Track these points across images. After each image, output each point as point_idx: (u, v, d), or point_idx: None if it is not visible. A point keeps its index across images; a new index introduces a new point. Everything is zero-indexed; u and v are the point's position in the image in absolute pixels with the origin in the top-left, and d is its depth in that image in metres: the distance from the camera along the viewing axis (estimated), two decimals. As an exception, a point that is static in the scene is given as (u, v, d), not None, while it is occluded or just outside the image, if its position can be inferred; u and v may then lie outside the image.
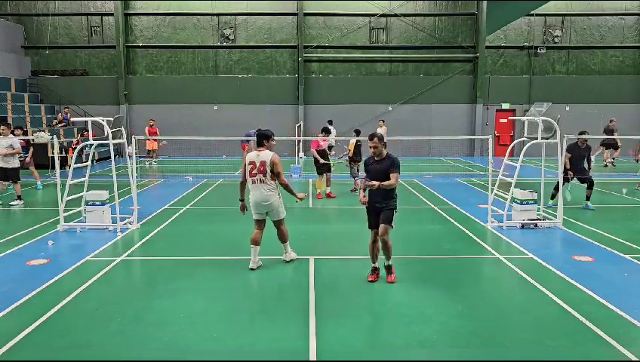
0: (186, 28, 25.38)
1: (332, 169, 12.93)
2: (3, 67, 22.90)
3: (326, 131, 13.18)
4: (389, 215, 6.24)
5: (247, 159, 6.82)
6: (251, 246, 6.94)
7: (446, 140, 23.52)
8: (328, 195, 12.75)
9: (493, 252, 7.99)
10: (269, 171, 6.67)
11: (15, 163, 11.88)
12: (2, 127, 11.84)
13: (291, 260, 7.28)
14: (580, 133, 11.26)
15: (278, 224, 7.06)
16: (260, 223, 7.02)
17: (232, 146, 23.04)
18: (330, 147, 13.00)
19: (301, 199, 6.98)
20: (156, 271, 7.18)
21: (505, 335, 5.00)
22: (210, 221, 10.35)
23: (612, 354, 4.59)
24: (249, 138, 19.32)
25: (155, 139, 21.04)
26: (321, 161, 12.59)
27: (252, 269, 6.87)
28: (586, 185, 11.38)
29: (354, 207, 11.76)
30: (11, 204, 11.90)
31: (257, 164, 6.69)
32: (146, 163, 21.55)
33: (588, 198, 11.34)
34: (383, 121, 22.28)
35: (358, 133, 13.32)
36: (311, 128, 25.00)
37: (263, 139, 6.86)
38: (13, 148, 11.72)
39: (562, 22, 25.60)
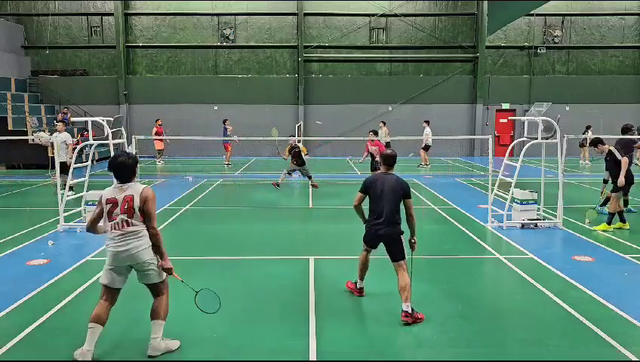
0: (186, 28, 25.37)
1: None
2: (3, 67, 22.88)
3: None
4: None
5: (103, 195, 4.65)
6: (89, 325, 4.50)
7: (446, 140, 23.47)
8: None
9: (493, 252, 7.99)
10: (136, 210, 4.50)
11: (63, 157, 12.92)
12: (59, 125, 13.38)
13: (167, 351, 4.62)
14: (625, 128, 10.30)
15: (154, 289, 4.68)
16: (111, 293, 4.63)
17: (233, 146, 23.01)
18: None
19: (167, 267, 4.66)
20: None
21: (505, 335, 5.01)
22: (210, 221, 10.35)
23: (612, 354, 4.59)
24: (230, 138, 19.32)
25: (160, 139, 20.95)
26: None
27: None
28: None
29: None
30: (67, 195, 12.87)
31: (120, 201, 4.53)
32: (157, 162, 21.52)
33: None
34: (384, 123, 21.90)
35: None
36: (311, 128, 25.02)
37: (129, 170, 4.63)
38: (67, 144, 12.96)
39: (562, 22, 25.60)
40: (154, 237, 4.57)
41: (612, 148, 9.39)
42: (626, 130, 10.29)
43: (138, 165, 4.73)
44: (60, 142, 12.70)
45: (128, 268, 4.60)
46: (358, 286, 5.98)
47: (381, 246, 5.62)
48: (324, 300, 5.85)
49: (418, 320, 5.19)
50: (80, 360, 4.43)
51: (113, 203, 4.57)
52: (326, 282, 6.47)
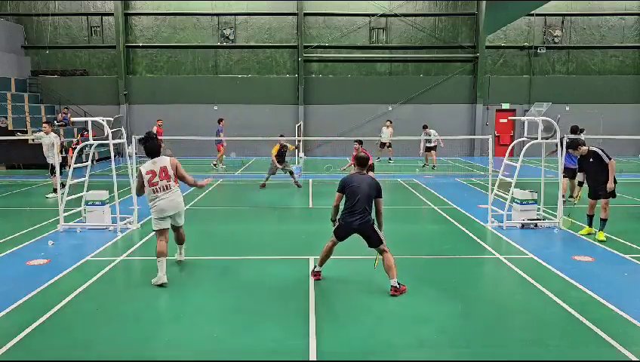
0: (186, 28, 25.36)
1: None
2: (3, 67, 22.88)
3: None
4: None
5: (142, 169, 6.47)
6: (158, 259, 6.43)
7: (446, 140, 23.50)
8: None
9: (493, 252, 7.99)
10: (172, 175, 6.49)
11: (52, 158, 12.80)
12: (45, 126, 12.98)
13: (179, 260, 7.29)
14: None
15: (180, 228, 6.95)
16: (163, 233, 6.57)
17: (232, 146, 23.01)
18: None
19: (204, 185, 7.21)
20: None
21: (505, 335, 5.01)
22: (210, 221, 10.34)
23: (612, 354, 4.59)
24: (221, 138, 19.28)
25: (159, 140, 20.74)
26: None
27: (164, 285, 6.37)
28: None
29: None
30: (47, 196, 12.97)
31: (157, 171, 6.43)
32: None
33: None
34: (391, 122, 22.19)
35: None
36: (311, 128, 25.02)
37: (156, 150, 6.57)
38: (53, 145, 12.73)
39: (562, 22, 25.59)
40: (194, 185, 6.89)
41: (596, 149, 8.67)
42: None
43: (161, 141, 6.59)
44: (47, 143, 12.74)
45: (170, 216, 6.52)
46: (316, 270, 6.53)
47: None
48: (324, 300, 5.85)
49: (403, 292, 5.92)
50: (158, 283, 6.25)
51: (152, 173, 6.39)
52: (326, 282, 6.47)
